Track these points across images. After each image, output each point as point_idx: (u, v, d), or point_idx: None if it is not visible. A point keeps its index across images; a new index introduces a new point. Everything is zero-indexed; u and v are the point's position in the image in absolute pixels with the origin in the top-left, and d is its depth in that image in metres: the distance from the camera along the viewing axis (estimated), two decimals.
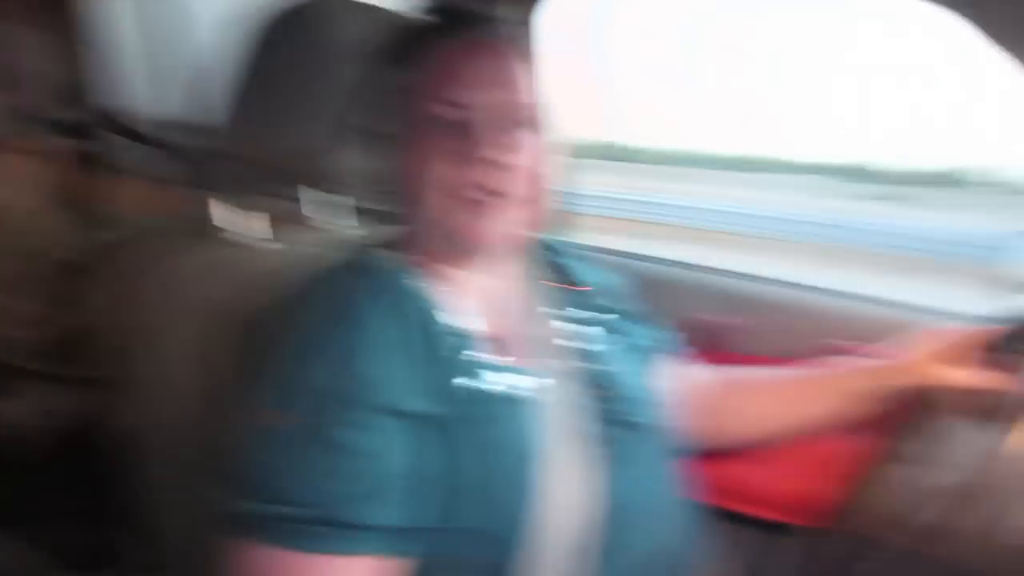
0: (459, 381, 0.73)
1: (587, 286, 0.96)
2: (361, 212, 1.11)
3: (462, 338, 0.77)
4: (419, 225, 0.81)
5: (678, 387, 1.01)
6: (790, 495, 1.03)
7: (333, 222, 1.09)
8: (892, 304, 1.29)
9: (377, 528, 0.65)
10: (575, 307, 0.93)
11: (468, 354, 0.76)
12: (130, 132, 1.86)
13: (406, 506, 0.67)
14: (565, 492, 0.73)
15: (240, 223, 0.98)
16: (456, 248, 0.79)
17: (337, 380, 0.67)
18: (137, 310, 0.91)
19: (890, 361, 0.96)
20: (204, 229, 0.95)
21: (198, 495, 0.81)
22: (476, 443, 0.71)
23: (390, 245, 0.83)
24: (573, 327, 0.89)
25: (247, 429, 0.68)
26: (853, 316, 1.27)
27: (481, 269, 0.84)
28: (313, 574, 0.64)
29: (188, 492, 0.86)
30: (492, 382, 0.75)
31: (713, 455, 1.05)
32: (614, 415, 0.82)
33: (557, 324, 0.88)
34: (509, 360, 0.80)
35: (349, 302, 0.73)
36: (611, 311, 0.96)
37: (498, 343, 0.81)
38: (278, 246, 1.00)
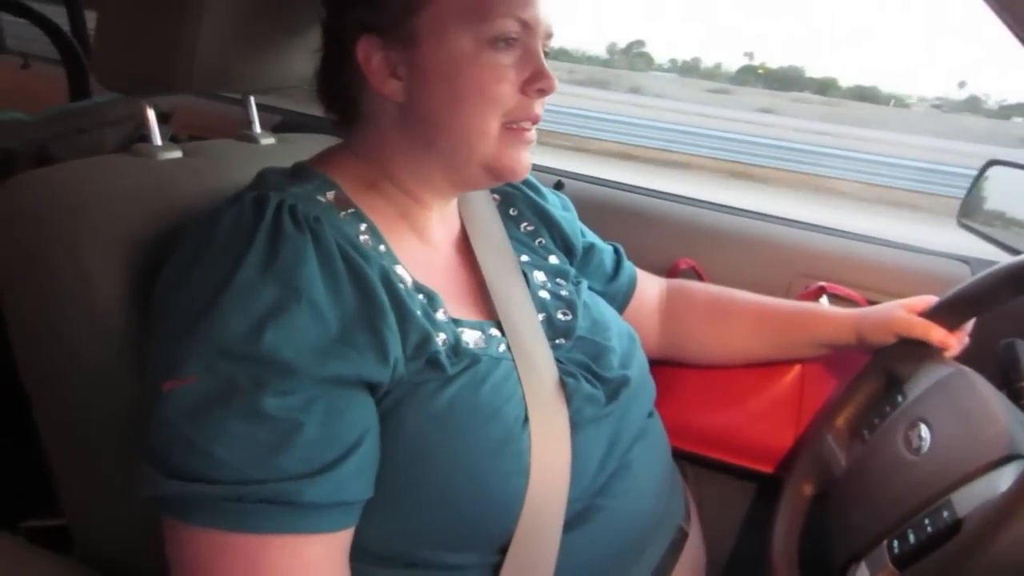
0: (416, 342, 0.63)
1: (542, 217, 0.89)
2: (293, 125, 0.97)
3: (415, 292, 0.67)
4: (419, 154, 0.72)
5: (637, 303, 1.01)
6: (783, 448, 1.00)
7: (261, 135, 0.95)
8: (869, 240, 1.25)
9: (316, 505, 0.56)
10: (536, 245, 0.87)
11: (425, 310, 0.66)
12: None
13: (358, 479, 0.59)
14: (551, 454, 0.67)
15: (152, 127, 0.81)
16: (484, 180, 0.73)
17: (253, 342, 0.56)
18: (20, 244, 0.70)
19: (860, 315, 0.94)
20: (103, 133, 0.79)
21: (121, 475, 0.70)
22: (451, 408, 0.63)
23: (325, 171, 0.72)
24: (538, 273, 0.83)
25: (160, 396, 0.56)
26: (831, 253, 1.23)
27: (442, 209, 0.77)
28: (252, 556, 0.55)
29: (112, 472, 0.73)
30: (454, 341, 0.67)
31: (706, 406, 1.03)
32: (591, 368, 0.76)
33: (520, 270, 0.81)
34: (471, 314, 0.73)
35: (272, 246, 0.60)
36: (570, 243, 0.90)
37: (457, 295, 0.74)
38: (194, 160, 0.83)
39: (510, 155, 0.70)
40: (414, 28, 0.67)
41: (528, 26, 0.68)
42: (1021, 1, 0.59)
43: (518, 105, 0.69)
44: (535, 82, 0.68)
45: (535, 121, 0.71)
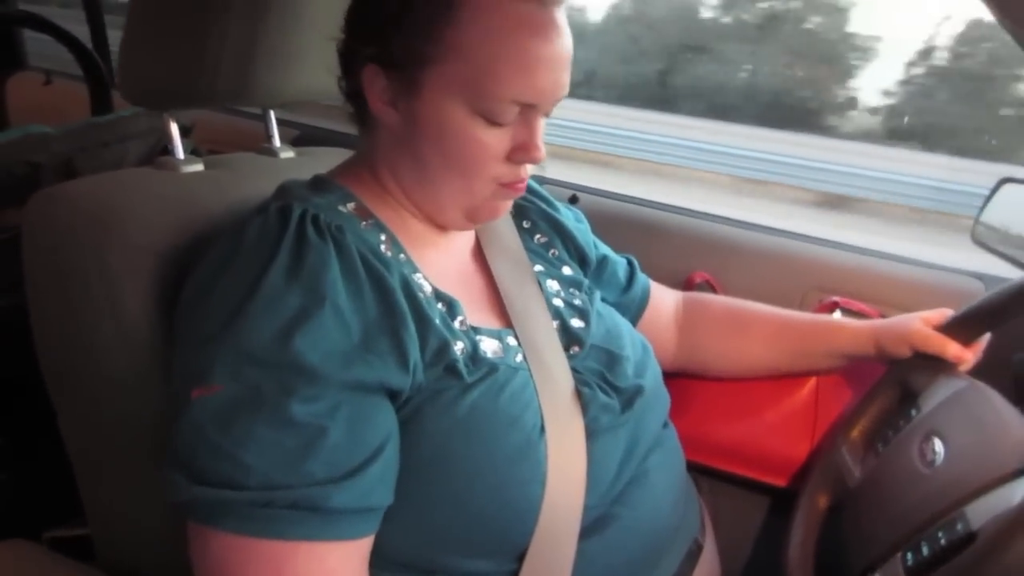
0: (435, 349, 0.64)
1: (556, 228, 0.90)
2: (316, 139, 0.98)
3: (434, 300, 0.69)
4: (413, 183, 0.73)
5: (653, 315, 1.01)
6: (797, 461, 1.00)
7: (281, 148, 0.98)
8: (883, 256, 1.26)
9: (341, 511, 0.57)
10: (550, 256, 0.88)
11: (444, 317, 0.67)
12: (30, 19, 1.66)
13: (380, 485, 0.60)
14: (567, 462, 0.68)
15: (175, 141, 0.83)
16: (460, 222, 0.75)
17: (279, 348, 0.57)
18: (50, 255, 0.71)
19: (878, 325, 0.94)
20: (125, 147, 0.80)
21: (145, 483, 0.71)
22: (471, 415, 0.64)
23: (344, 183, 0.73)
24: (552, 282, 0.84)
25: (188, 403, 0.57)
26: (844, 267, 1.23)
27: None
28: (278, 562, 0.56)
29: (136, 480, 0.74)
30: (472, 349, 0.67)
31: (721, 419, 1.03)
32: (606, 377, 0.76)
33: (536, 279, 0.81)
34: (490, 322, 0.74)
35: (296, 254, 0.61)
36: (584, 254, 0.92)
37: (476, 303, 0.75)
38: (216, 173, 0.85)
39: (491, 206, 0.73)
40: (419, 78, 0.67)
41: (531, 104, 0.67)
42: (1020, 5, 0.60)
43: (506, 173, 0.70)
44: (520, 153, 0.69)
45: (521, 187, 0.73)
